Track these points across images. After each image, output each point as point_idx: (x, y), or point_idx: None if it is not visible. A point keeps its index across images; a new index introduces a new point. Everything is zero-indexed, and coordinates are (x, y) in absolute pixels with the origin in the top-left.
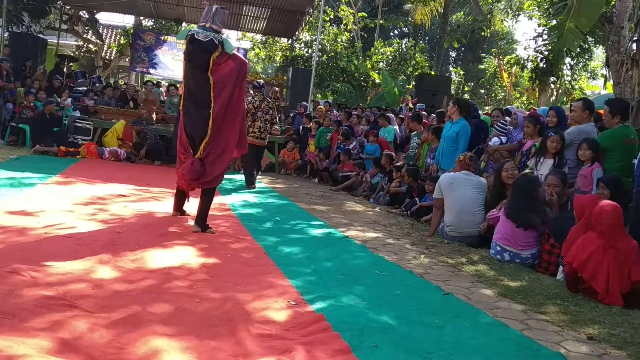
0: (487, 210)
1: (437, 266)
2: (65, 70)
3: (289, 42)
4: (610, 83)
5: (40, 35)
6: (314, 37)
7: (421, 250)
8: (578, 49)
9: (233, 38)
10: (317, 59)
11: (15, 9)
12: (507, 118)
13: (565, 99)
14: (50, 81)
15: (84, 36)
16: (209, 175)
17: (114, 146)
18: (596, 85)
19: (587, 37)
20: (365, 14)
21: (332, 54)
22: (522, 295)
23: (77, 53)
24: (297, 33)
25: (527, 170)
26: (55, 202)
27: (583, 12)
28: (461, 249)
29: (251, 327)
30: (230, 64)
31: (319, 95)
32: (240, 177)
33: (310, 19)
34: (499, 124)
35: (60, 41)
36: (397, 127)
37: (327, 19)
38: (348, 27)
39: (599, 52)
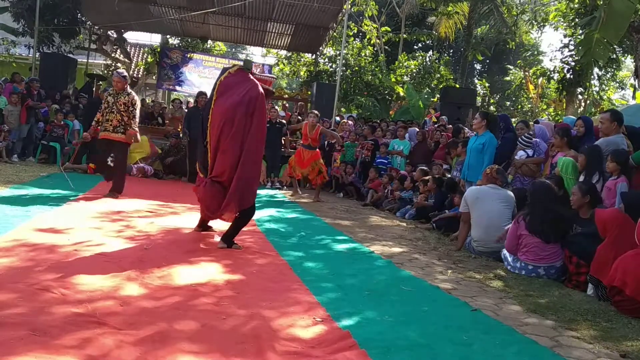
0: None
1: (464, 282)
2: (94, 89)
3: (313, 57)
4: (639, 93)
5: (70, 55)
6: (337, 52)
7: (448, 266)
8: (606, 60)
9: (258, 54)
10: (341, 73)
11: (46, 30)
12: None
13: (593, 110)
14: (77, 99)
15: (113, 55)
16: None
17: (135, 159)
18: (624, 99)
19: (615, 47)
20: (388, 29)
21: (356, 68)
22: (552, 311)
23: (105, 72)
24: (321, 48)
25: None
26: (83, 219)
27: (611, 24)
28: (489, 263)
29: (277, 344)
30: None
31: (344, 110)
32: (265, 192)
33: (334, 34)
34: (523, 136)
35: (89, 60)
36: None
37: (351, 33)
38: (372, 42)
39: (628, 62)
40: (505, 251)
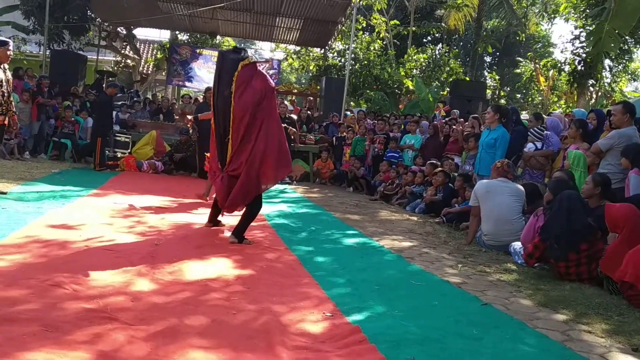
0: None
1: (474, 276)
2: (104, 85)
3: (322, 51)
4: None
5: (80, 52)
6: (346, 46)
7: (458, 260)
8: (617, 51)
9: (267, 49)
10: (350, 67)
11: (56, 27)
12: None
13: (605, 102)
14: (86, 96)
15: (122, 52)
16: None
17: (148, 156)
18: (636, 92)
19: (627, 38)
20: (397, 22)
21: (365, 62)
22: (563, 305)
23: (115, 68)
24: (329, 42)
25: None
26: (95, 215)
27: (621, 14)
28: (499, 257)
29: (287, 339)
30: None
31: (353, 104)
32: (274, 187)
33: (343, 28)
34: (534, 129)
35: (99, 57)
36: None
37: (360, 27)
38: (381, 35)
39: None
40: (513, 245)
